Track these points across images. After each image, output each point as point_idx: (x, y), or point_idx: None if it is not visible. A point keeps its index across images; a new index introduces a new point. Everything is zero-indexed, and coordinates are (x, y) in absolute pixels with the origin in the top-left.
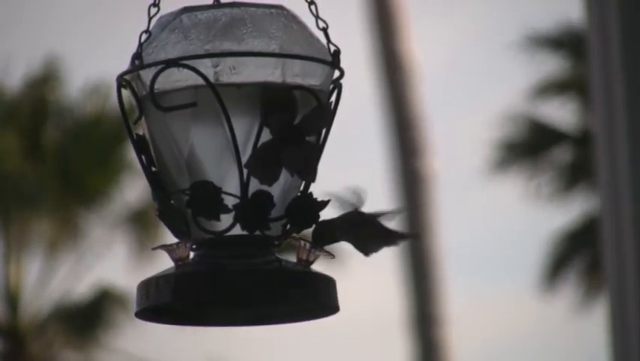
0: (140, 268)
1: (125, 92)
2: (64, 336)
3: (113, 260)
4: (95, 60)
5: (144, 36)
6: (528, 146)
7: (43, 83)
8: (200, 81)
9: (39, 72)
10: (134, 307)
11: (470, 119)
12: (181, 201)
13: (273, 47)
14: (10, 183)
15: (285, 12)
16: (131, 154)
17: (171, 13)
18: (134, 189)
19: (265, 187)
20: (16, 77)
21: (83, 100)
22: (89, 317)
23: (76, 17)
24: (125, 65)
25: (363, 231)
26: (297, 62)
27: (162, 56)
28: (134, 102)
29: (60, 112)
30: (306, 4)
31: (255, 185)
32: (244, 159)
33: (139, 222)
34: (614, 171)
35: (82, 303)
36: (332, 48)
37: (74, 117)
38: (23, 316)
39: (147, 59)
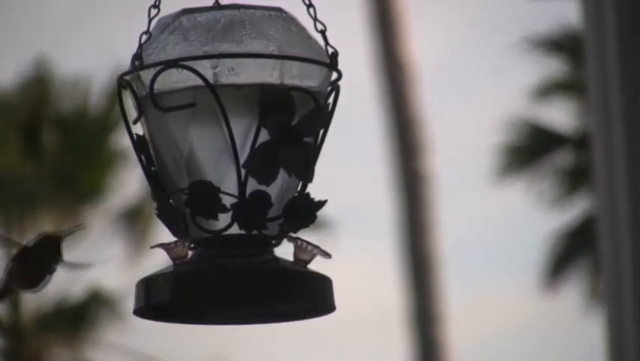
0: (137, 265)
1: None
2: (64, 334)
3: (111, 257)
4: (77, 55)
5: (144, 37)
6: (528, 148)
7: (38, 82)
8: (199, 82)
9: (32, 71)
10: (132, 305)
11: (470, 120)
12: (180, 201)
13: (272, 49)
14: (9, 183)
15: (284, 14)
16: (124, 148)
17: (171, 15)
18: (129, 186)
19: (263, 187)
20: (8, 76)
21: (71, 96)
22: (87, 314)
23: (57, 12)
24: (102, 58)
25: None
26: (296, 63)
27: (162, 57)
28: (133, 103)
29: (54, 110)
30: (305, 7)
31: (252, 185)
32: (242, 159)
33: (135, 219)
34: (610, 173)
35: (79, 301)
36: (330, 50)
37: (65, 114)
38: (24, 314)
39: (147, 59)
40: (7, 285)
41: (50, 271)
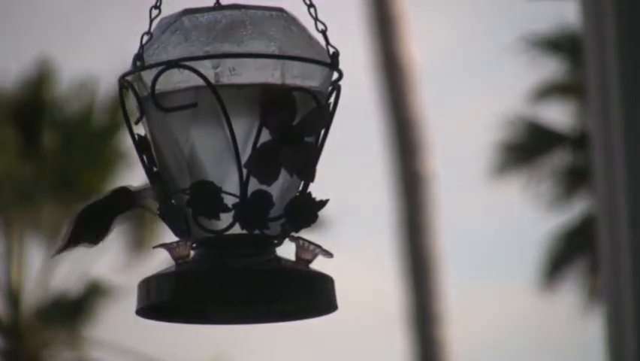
0: (137, 264)
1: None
2: (63, 332)
3: (111, 255)
4: (78, 56)
5: (145, 37)
6: (526, 147)
7: (39, 82)
8: (200, 82)
9: (33, 71)
10: (135, 304)
11: (469, 120)
12: (182, 201)
13: (273, 49)
14: (9, 183)
15: (285, 14)
16: (124, 148)
17: (172, 15)
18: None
19: (264, 187)
20: (9, 76)
21: (72, 97)
22: (87, 313)
23: (59, 13)
24: (109, 59)
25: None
26: (297, 63)
27: (163, 57)
28: (135, 103)
29: (55, 110)
30: (306, 7)
31: (254, 185)
32: (244, 159)
33: (137, 220)
34: (610, 172)
35: (80, 299)
36: (331, 50)
37: (66, 115)
38: (24, 312)
39: (148, 60)
40: (71, 239)
41: (111, 226)
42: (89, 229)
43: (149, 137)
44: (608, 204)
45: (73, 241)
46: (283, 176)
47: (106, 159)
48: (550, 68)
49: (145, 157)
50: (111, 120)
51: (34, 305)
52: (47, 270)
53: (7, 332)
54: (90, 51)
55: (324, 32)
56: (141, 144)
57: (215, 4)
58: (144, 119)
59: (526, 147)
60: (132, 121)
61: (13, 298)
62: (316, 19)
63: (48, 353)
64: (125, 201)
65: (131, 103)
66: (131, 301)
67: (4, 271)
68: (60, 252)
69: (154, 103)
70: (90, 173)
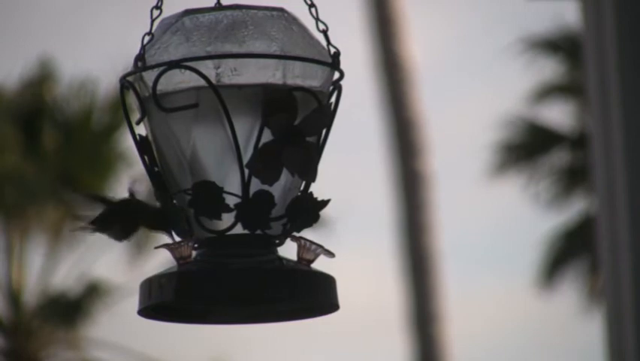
0: (138, 264)
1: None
2: (63, 332)
3: (111, 255)
4: (78, 56)
5: (147, 38)
6: (526, 148)
7: (39, 82)
8: (202, 82)
9: (34, 71)
10: (136, 305)
11: (468, 120)
12: (183, 201)
13: (274, 49)
14: (11, 181)
15: (286, 14)
16: (125, 148)
17: (173, 16)
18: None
19: (266, 187)
20: (10, 76)
21: (72, 97)
22: (87, 313)
23: (59, 13)
24: (109, 59)
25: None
26: (298, 63)
27: (165, 58)
28: (136, 103)
29: (55, 110)
30: (307, 7)
31: (256, 185)
32: (245, 159)
33: None
34: (610, 173)
35: (80, 299)
36: (332, 50)
37: (66, 115)
38: (24, 312)
39: (150, 60)
40: (96, 228)
41: (135, 232)
42: (114, 228)
43: (150, 137)
44: (608, 204)
45: (98, 230)
46: (285, 176)
47: (106, 159)
48: (550, 68)
49: (146, 157)
50: (111, 120)
51: (34, 305)
52: (47, 270)
53: (7, 332)
54: (90, 51)
55: (325, 32)
56: (142, 145)
57: (216, 4)
58: (145, 119)
59: (526, 146)
60: (133, 121)
61: (13, 298)
62: (317, 19)
63: (48, 353)
64: (155, 226)
65: (133, 103)
66: (132, 302)
67: (4, 271)
68: (81, 230)
69: (155, 103)
70: (90, 173)
